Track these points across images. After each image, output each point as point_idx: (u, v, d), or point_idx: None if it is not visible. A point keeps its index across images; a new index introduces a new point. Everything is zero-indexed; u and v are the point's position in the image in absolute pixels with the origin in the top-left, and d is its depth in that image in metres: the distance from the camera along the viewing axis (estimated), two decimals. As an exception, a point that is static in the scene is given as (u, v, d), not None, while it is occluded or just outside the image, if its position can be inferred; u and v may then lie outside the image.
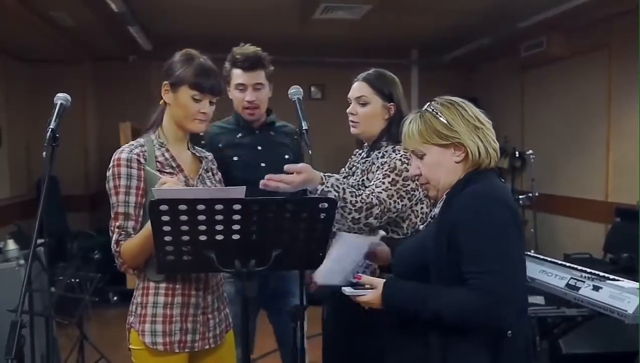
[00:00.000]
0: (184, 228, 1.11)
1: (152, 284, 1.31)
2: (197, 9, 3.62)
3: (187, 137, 1.40)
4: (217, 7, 3.58)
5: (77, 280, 2.77)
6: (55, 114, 1.33)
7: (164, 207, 1.08)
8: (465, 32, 4.27)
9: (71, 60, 4.80)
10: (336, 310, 1.61)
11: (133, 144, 1.33)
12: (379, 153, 1.55)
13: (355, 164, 1.65)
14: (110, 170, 1.29)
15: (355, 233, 1.44)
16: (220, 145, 1.78)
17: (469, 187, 1.11)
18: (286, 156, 1.83)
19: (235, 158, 1.79)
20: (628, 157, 3.61)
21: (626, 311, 1.76)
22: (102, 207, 4.36)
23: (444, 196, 1.16)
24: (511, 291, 1.05)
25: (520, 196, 4.27)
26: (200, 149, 1.47)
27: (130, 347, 1.33)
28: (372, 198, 1.41)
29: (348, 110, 1.59)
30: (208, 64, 1.33)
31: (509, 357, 1.09)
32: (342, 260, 1.31)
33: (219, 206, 1.09)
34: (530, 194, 4.16)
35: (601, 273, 2.08)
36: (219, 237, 1.12)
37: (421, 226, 1.36)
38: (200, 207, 1.08)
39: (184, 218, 1.09)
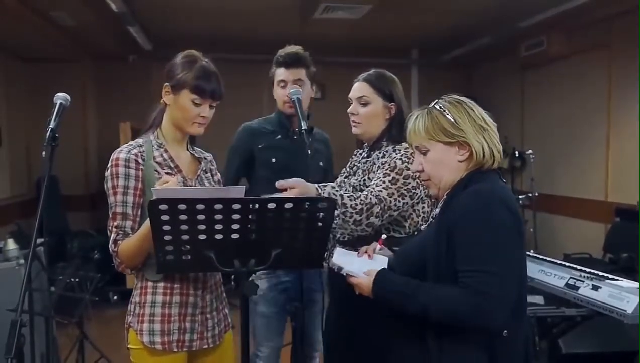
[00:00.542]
0: (184, 227, 1.11)
1: (150, 283, 1.31)
2: (197, 9, 3.62)
3: (187, 138, 1.40)
4: (217, 7, 3.58)
5: (77, 280, 2.77)
6: (54, 113, 1.33)
7: (163, 206, 1.08)
8: (465, 31, 4.27)
9: (71, 60, 4.80)
10: (337, 308, 1.62)
11: (132, 145, 1.33)
12: (380, 153, 1.56)
13: (356, 164, 1.66)
14: (109, 170, 1.29)
15: (358, 235, 1.44)
16: (260, 146, 1.85)
17: (471, 186, 1.11)
18: (320, 163, 1.86)
19: (273, 160, 1.83)
20: (628, 157, 3.61)
21: (625, 311, 1.77)
22: (102, 207, 4.36)
23: (445, 196, 1.16)
24: (503, 293, 1.04)
25: (520, 196, 4.27)
26: (199, 150, 1.47)
27: (129, 346, 1.33)
28: (371, 198, 1.41)
29: (349, 110, 1.60)
30: (210, 67, 1.32)
31: (507, 358, 1.09)
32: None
33: (218, 206, 1.09)
34: (530, 194, 4.17)
35: (600, 273, 2.08)
36: (219, 237, 1.12)
37: (423, 226, 1.37)
38: (200, 207, 1.08)
39: (183, 217, 1.09)
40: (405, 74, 5.09)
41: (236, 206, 1.09)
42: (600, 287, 1.93)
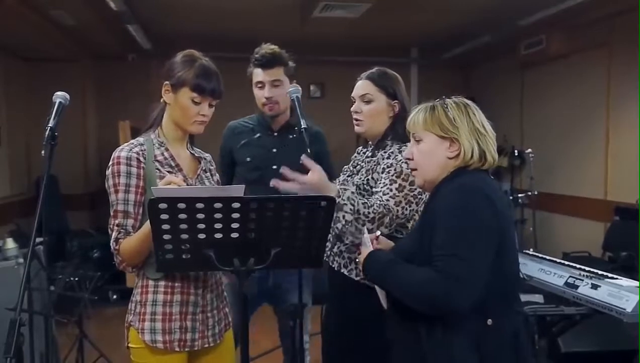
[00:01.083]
0: (183, 226, 1.11)
1: (151, 282, 1.31)
2: (196, 8, 3.61)
3: (187, 137, 1.40)
4: (216, 6, 3.58)
5: (77, 279, 2.77)
6: (54, 112, 1.33)
7: (163, 205, 1.08)
8: (465, 30, 4.27)
9: (71, 58, 4.79)
10: (336, 309, 1.62)
11: (133, 143, 1.33)
12: (385, 152, 1.55)
13: (359, 163, 1.65)
14: (110, 168, 1.29)
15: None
16: (239, 145, 1.86)
17: (456, 180, 1.15)
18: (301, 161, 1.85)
19: (248, 159, 1.84)
20: (627, 155, 3.62)
21: (625, 309, 1.77)
22: (101, 206, 4.36)
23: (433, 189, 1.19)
24: (471, 277, 1.06)
25: (519, 195, 4.27)
26: (199, 150, 1.47)
27: (130, 345, 1.33)
28: (382, 209, 1.43)
29: (352, 108, 1.59)
30: (209, 66, 1.32)
31: (493, 348, 1.10)
32: None
33: (218, 205, 1.09)
34: (530, 193, 4.17)
35: (600, 272, 2.09)
36: (218, 236, 1.12)
37: None
38: (199, 206, 1.08)
39: (183, 216, 1.09)
40: (405, 73, 5.06)
41: (236, 205, 1.09)
42: (600, 286, 1.93)
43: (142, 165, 1.29)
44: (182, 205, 1.08)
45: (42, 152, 1.28)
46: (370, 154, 1.62)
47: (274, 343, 2.98)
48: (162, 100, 1.36)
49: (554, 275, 2.16)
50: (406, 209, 1.46)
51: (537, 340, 2.29)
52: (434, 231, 1.10)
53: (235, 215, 1.10)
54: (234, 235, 1.13)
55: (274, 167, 1.71)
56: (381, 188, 1.48)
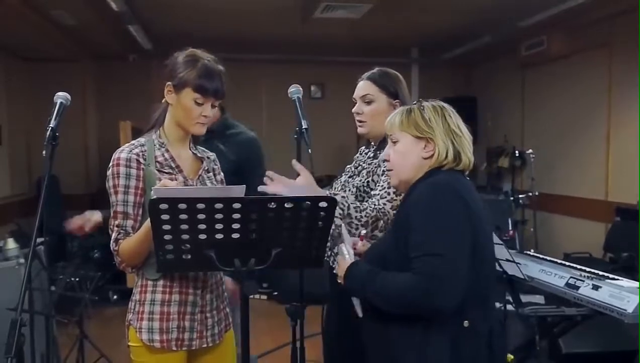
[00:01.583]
0: (184, 227, 1.11)
1: (150, 282, 1.31)
2: (197, 8, 3.61)
3: (189, 137, 1.40)
4: (217, 7, 3.58)
5: (77, 279, 2.77)
6: (55, 113, 1.33)
7: (163, 206, 1.08)
8: (466, 31, 4.27)
9: (72, 59, 4.80)
10: (337, 310, 1.62)
11: (134, 144, 1.33)
12: None
13: (361, 163, 1.65)
14: (110, 169, 1.29)
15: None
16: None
17: (429, 179, 1.17)
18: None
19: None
20: (628, 156, 3.61)
21: (626, 310, 1.77)
22: (102, 206, 4.34)
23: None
24: (451, 274, 1.06)
25: (520, 196, 4.27)
26: (202, 149, 1.46)
27: (129, 344, 1.33)
28: (376, 212, 1.43)
29: (354, 110, 1.59)
30: (212, 66, 1.32)
31: (470, 349, 1.11)
32: None
33: (218, 205, 1.08)
34: (530, 194, 4.17)
35: (601, 273, 2.09)
36: (219, 236, 1.12)
37: None
38: (200, 206, 1.08)
39: (183, 217, 1.09)
40: (406, 73, 5.03)
41: (236, 206, 1.09)
42: (601, 287, 1.93)
43: (142, 166, 1.29)
44: (182, 205, 1.08)
45: (43, 152, 1.28)
46: (372, 155, 1.62)
47: (276, 343, 2.98)
48: (164, 100, 1.36)
49: (555, 276, 2.15)
50: None
51: (538, 340, 2.28)
52: (409, 231, 1.10)
53: (236, 216, 1.10)
54: (235, 236, 1.13)
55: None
56: (379, 191, 1.48)
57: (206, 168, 1.42)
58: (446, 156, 1.17)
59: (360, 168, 1.64)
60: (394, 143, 1.23)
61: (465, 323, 1.10)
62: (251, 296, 1.21)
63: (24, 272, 1.24)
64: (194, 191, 1.26)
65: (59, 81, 4.33)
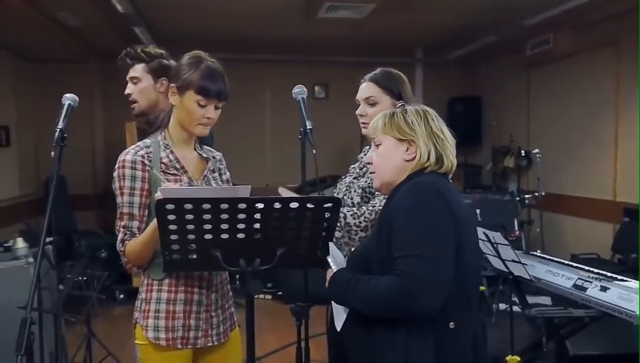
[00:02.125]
0: (190, 227, 1.11)
1: (156, 281, 1.32)
2: (201, 9, 3.63)
3: (194, 138, 1.41)
4: (221, 7, 3.59)
5: (85, 278, 2.80)
6: (63, 114, 1.35)
7: (170, 206, 1.09)
8: (471, 30, 4.25)
9: (78, 60, 4.84)
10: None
11: (139, 146, 1.34)
12: None
13: (366, 165, 1.65)
14: (116, 171, 1.31)
15: None
16: None
17: (410, 181, 1.18)
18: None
19: None
20: (637, 156, 3.57)
21: (635, 312, 1.75)
22: (109, 206, 4.39)
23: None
24: (433, 275, 1.05)
25: (526, 196, 4.24)
26: (208, 148, 1.47)
27: (136, 342, 1.35)
28: (375, 215, 1.42)
29: (357, 112, 1.58)
30: (215, 67, 1.32)
31: (455, 351, 1.10)
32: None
33: (224, 206, 1.09)
34: (537, 194, 4.14)
35: (609, 274, 2.06)
36: (224, 236, 1.13)
37: None
38: (206, 206, 1.09)
39: (189, 217, 1.10)
40: (410, 73, 5.07)
41: (242, 206, 1.10)
42: (609, 288, 1.91)
43: (147, 168, 1.30)
44: (189, 206, 1.09)
45: (52, 153, 1.29)
46: None
47: (280, 343, 2.99)
48: (168, 102, 1.37)
49: (562, 277, 2.14)
50: None
51: (544, 342, 2.27)
52: (392, 233, 1.10)
53: (241, 216, 1.11)
54: (240, 236, 1.13)
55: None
56: (378, 195, 1.48)
57: (211, 168, 1.43)
58: (428, 159, 1.18)
59: (365, 169, 1.64)
60: (377, 145, 1.24)
61: (451, 325, 1.09)
62: (256, 296, 1.21)
63: (33, 271, 1.26)
64: (200, 191, 1.27)
65: (67, 82, 4.38)
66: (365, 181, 1.58)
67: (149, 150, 1.33)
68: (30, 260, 2.35)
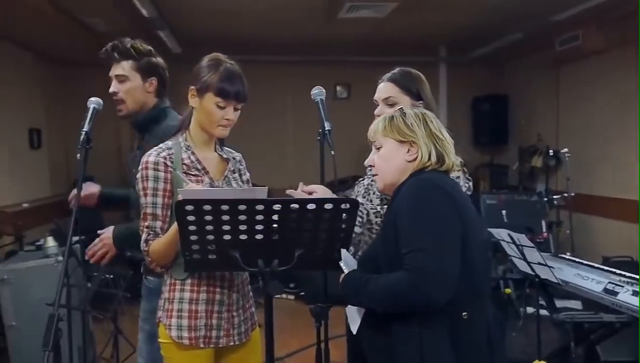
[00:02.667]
0: (209, 227, 1.13)
1: (178, 280, 1.35)
2: (224, 11, 3.68)
3: (215, 139, 1.42)
4: (243, 9, 3.63)
5: (112, 276, 2.87)
6: (88, 117, 1.39)
7: (189, 207, 1.10)
8: (496, 27, 4.14)
9: (105, 64, 4.98)
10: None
11: (161, 147, 1.37)
12: None
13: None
14: (139, 173, 1.34)
15: None
16: None
17: (413, 178, 1.20)
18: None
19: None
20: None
21: (669, 318, 1.67)
22: (134, 205, 4.50)
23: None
24: (439, 268, 1.07)
25: (555, 196, 4.11)
26: (229, 149, 1.49)
27: (160, 340, 1.37)
28: None
29: (376, 112, 1.56)
30: (234, 69, 1.34)
31: (469, 342, 1.11)
32: None
33: (242, 207, 1.10)
34: (566, 194, 4.00)
35: (642, 278, 1.98)
36: (243, 237, 1.14)
37: None
38: (225, 207, 1.10)
39: (208, 218, 1.11)
40: (433, 71, 4.99)
41: (259, 207, 1.10)
42: (642, 293, 1.83)
43: (170, 169, 1.32)
44: (207, 207, 1.10)
45: (78, 155, 1.33)
46: None
47: (301, 344, 2.99)
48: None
49: (592, 281, 2.06)
50: None
51: (573, 347, 2.19)
52: (398, 230, 1.12)
53: (259, 217, 1.12)
54: (259, 236, 1.14)
55: (134, 170, 1.46)
56: None
57: (232, 169, 1.44)
58: (429, 158, 1.20)
59: None
60: (378, 148, 1.26)
61: (464, 315, 1.11)
62: (277, 296, 1.22)
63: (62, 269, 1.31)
64: (219, 192, 1.28)
65: (94, 85, 4.50)
66: None
67: (171, 151, 1.35)
68: (60, 258, 2.44)
